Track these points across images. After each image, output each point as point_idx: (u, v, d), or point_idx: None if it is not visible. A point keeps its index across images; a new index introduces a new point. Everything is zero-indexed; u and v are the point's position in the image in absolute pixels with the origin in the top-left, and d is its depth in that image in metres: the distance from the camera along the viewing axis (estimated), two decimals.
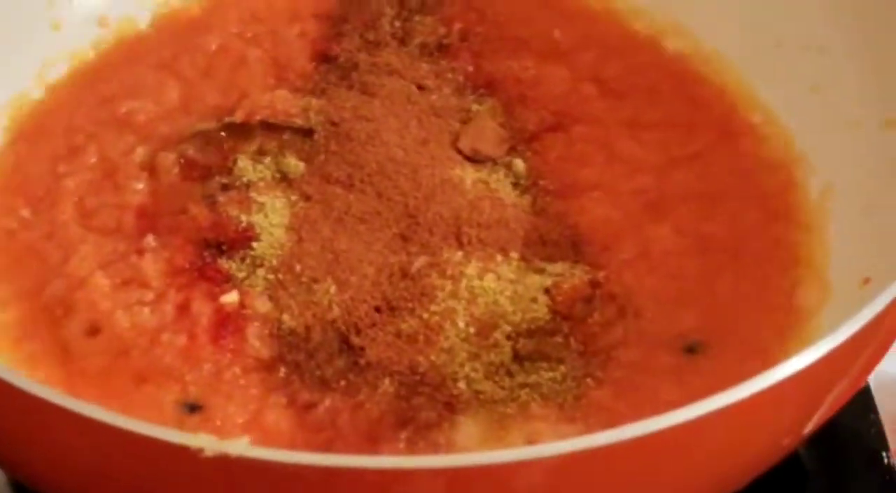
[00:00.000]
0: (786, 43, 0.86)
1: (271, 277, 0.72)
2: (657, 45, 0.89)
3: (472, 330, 0.69)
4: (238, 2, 0.91)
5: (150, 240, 0.74)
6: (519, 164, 0.79)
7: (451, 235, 0.73)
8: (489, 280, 0.71)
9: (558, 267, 0.73)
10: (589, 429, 0.64)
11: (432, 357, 0.68)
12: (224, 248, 0.74)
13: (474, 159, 0.79)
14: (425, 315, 0.69)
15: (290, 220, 0.75)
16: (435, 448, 0.64)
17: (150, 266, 0.73)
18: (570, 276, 0.72)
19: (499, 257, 0.72)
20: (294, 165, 0.78)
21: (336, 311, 0.70)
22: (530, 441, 0.64)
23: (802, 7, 0.85)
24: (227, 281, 0.72)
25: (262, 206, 0.76)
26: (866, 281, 0.70)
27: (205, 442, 0.51)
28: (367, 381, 0.67)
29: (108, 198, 0.78)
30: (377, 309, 0.70)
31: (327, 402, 0.67)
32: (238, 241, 0.74)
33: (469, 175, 0.78)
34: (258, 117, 0.80)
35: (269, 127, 0.80)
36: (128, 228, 0.76)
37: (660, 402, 0.64)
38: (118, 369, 0.69)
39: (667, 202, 0.77)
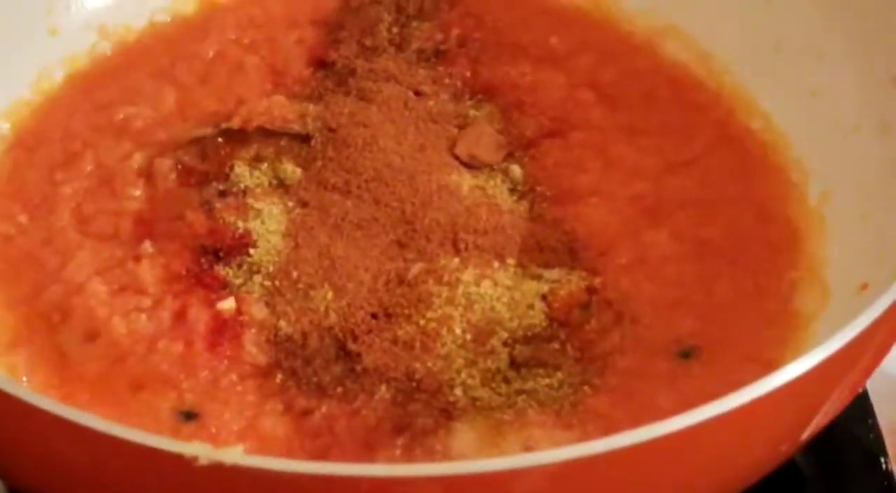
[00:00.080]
0: (784, 48, 0.86)
1: (268, 283, 0.72)
2: (654, 51, 0.89)
3: (468, 337, 0.69)
4: (235, 8, 0.92)
5: (146, 246, 0.74)
6: (516, 170, 0.79)
7: (448, 241, 0.73)
8: (486, 287, 0.71)
9: (555, 273, 0.73)
10: (586, 436, 0.64)
11: (429, 364, 0.68)
12: (221, 254, 0.74)
13: (471, 165, 0.79)
14: (422, 322, 0.69)
15: (287, 226, 0.75)
16: (431, 455, 0.64)
17: (147, 272, 0.73)
18: (567, 282, 0.72)
19: (495, 264, 0.72)
20: (291, 171, 0.78)
21: (333, 317, 0.70)
22: (527, 448, 0.64)
23: (801, 12, 0.85)
24: (224, 288, 0.72)
25: (258, 212, 0.76)
26: (864, 287, 0.70)
27: (199, 450, 0.51)
28: (363, 387, 0.67)
29: (105, 204, 0.78)
30: (374, 315, 0.70)
31: (324, 408, 0.67)
32: (235, 247, 0.74)
33: (466, 181, 0.78)
34: (255, 123, 0.80)
35: (266, 133, 0.80)
36: (125, 235, 0.76)
37: (657, 408, 0.64)
38: (115, 376, 0.69)
39: (664, 208, 0.77)
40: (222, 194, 0.77)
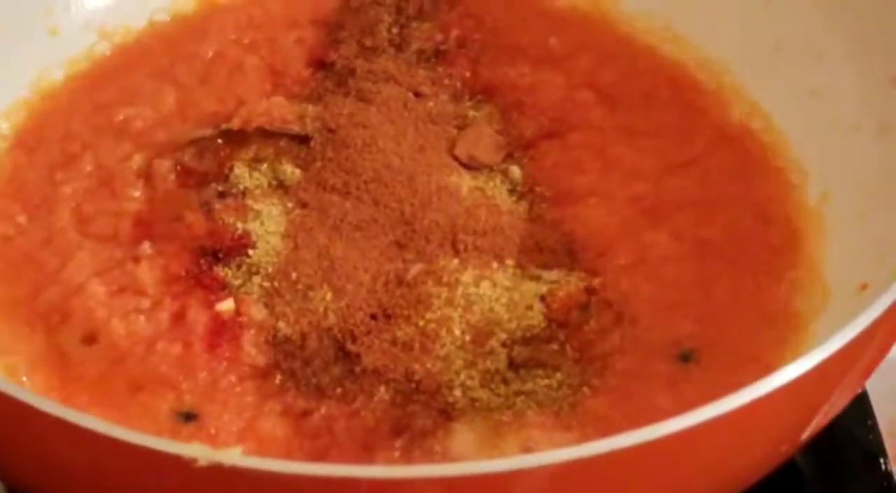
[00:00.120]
0: (783, 48, 0.86)
1: (267, 284, 0.72)
2: (653, 51, 0.89)
3: (467, 338, 0.69)
4: (235, 9, 0.92)
5: (146, 247, 0.74)
6: (515, 170, 0.79)
7: (447, 242, 0.73)
8: (485, 287, 0.71)
9: (554, 274, 0.73)
10: (584, 437, 0.64)
11: (428, 365, 0.68)
12: (220, 255, 0.74)
13: (470, 166, 0.79)
14: (421, 323, 0.69)
15: (286, 227, 0.75)
16: (430, 456, 0.64)
17: (147, 274, 0.73)
18: (566, 283, 0.72)
19: (494, 265, 0.72)
20: (290, 172, 0.78)
21: (332, 318, 0.70)
22: (526, 449, 0.64)
23: (800, 13, 0.85)
24: (223, 289, 0.72)
25: (258, 213, 0.76)
26: (864, 287, 0.70)
27: (198, 452, 0.51)
28: (362, 388, 0.67)
29: (104, 205, 0.78)
30: (373, 316, 0.70)
31: (323, 410, 0.67)
32: (234, 248, 0.74)
33: (465, 182, 0.78)
34: (255, 124, 0.80)
35: (266, 134, 0.80)
36: (124, 236, 0.76)
37: (656, 409, 0.64)
38: (114, 377, 0.69)
39: (663, 209, 0.77)
40: (221, 195, 0.77)
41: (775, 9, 0.86)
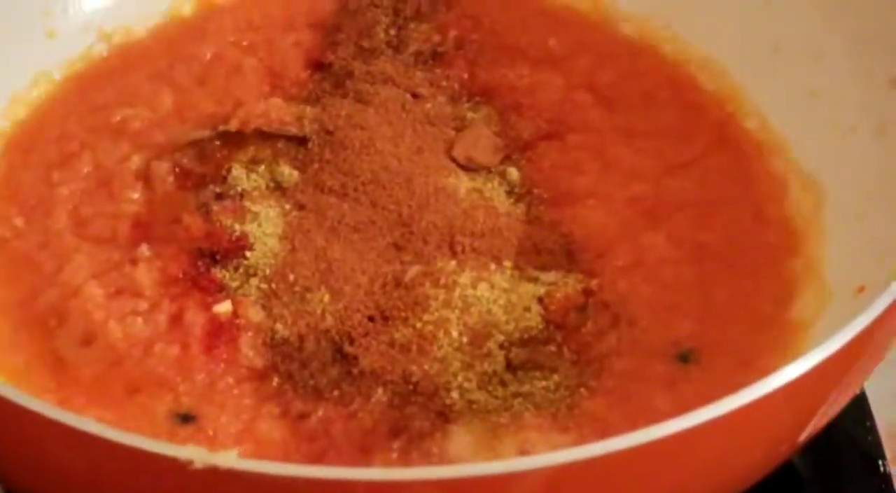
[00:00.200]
0: (782, 49, 0.86)
1: (265, 286, 0.72)
2: (652, 52, 0.89)
3: (465, 339, 0.69)
4: (233, 10, 0.92)
5: (143, 249, 0.74)
6: (513, 172, 0.79)
7: (445, 244, 0.73)
8: (482, 289, 0.71)
9: (551, 276, 0.73)
10: (582, 439, 0.64)
11: (425, 367, 0.68)
12: (217, 257, 0.74)
13: (468, 168, 0.79)
14: (418, 324, 0.69)
15: (284, 229, 0.75)
16: (428, 458, 0.64)
17: (144, 276, 0.73)
18: (564, 285, 0.72)
19: (492, 266, 0.72)
20: (288, 173, 0.78)
21: (329, 320, 0.70)
22: (523, 451, 0.64)
23: (799, 13, 0.85)
24: (221, 291, 0.72)
25: (255, 215, 0.76)
26: (861, 289, 0.69)
27: (194, 454, 0.51)
28: (360, 390, 0.67)
29: (102, 207, 0.78)
30: (370, 318, 0.70)
31: (320, 412, 0.67)
32: (232, 250, 0.74)
33: (463, 184, 0.78)
34: (252, 126, 0.80)
35: (264, 135, 0.80)
36: (122, 238, 0.76)
37: (654, 411, 0.64)
38: (111, 379, 0.68)
39: (662, 210, 0.77)
40: (219, 197, 0.77)
41: (774, 10, 0.86)
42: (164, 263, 0.73)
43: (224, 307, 0.71)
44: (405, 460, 0.64)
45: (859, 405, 0.77)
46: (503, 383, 0.68)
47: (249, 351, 0.69)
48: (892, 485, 0.75)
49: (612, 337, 0.70)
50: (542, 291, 0.71)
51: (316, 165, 0.78)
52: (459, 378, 0.67)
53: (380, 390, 0.67)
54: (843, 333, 0.57)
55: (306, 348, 0.69)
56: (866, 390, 0.78)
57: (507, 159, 0.80)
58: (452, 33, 0.89)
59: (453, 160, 0.79)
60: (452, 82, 0.85)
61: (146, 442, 0.52)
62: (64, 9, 0.90)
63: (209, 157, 0.80)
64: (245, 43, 0.89)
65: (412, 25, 0.89)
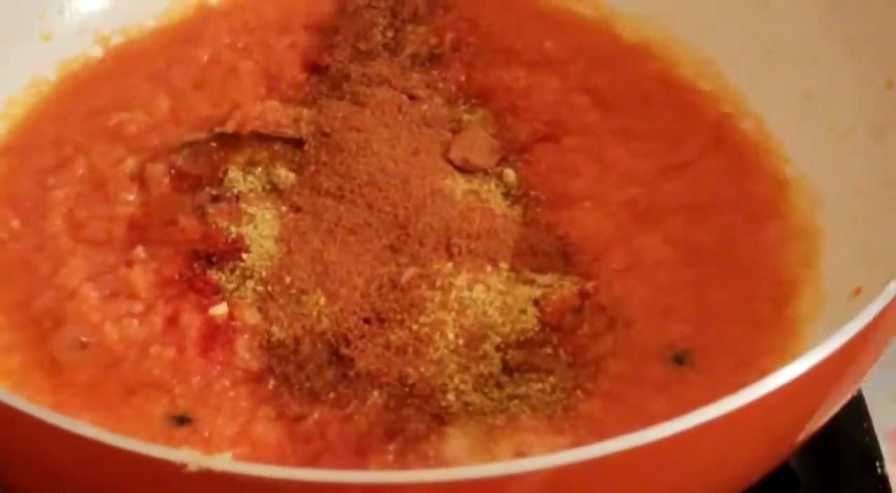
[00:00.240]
0: (778, 51, 0.86)
1: (261, 288, 0.72)
2: (648, 55, 0.89)
3: (461, 341, 0.69)
4: (230, 13, 0.92)
5: (139, 251, 0.74)
6: (510, 174, 0.79)
7: (441, 246, 0.73)
8: (479, 291, 0.71)
9: (548, 278, 0.73)
10: (578, 441, 0.64)
11: (422, 369, 0.68)
12: (214, 259, 0.74)
13: (465, 170, 0.79)
14: (415, 327, 0.69)
15: (280, 231, 0.75)
16: (424, 460, 0.64)
17: (140, 278, 0.73)
18: (560, 287, 0.72)
19: (488, 268, 0.72)
20: (284, 175, 0.78)
21: (325, 322, 0.70)
22: (519, 453, 0.64)
23: (795, 16, 0.85)
24: (217, 293, 0.72)
25: (252, 217, 0.76)
26: (857, 291, 0.69)
27: (188, 457, 0.51)
28: (356, 393, 0.67)
29: (97, 209, 0.78)
30: (366, 320, 0.70)
31: (316, 414, 0.67)
32: (228, 252, 0.74)
33: (460, 186, 0.78)
34: (249, 128, 0.80)
35: (260, 138, 0.80)
36: (117, 240, 0.76)
37: (650, 413, 0.63)
38: (107, 382, 0.68)
39: (657, 212, 0.77)
40: (215, 199, 0.77)
41: (771, 12, 0.86)
42: (160, 265, 0.73)
43: (220, 310, 0.71)
44: (401, 462, 0.64)
45: (856, 406, 0.77)
46: (499, 386, 0.68)
47: (245, 353, 0.69)
48: (888, 486, 0.75)
49: (609, 339, 0.70)
50: (538, 293, 0.71)
51: (312, 168, 0.78)
52: (456, 380, 0.67)
53: (376, 393, 0.67)
54: (839, 334, 0.57)
55: (302, 351, 0.69)
56: (863, 391, 0.77)
57: (503, 161, 0.80)
58: (449, 36, 0.89)
59: (450, 162, 0.79)
60: (449, 84, 0.85)
61: (141, 445, 0.52)
62: (60, 11, 0.90)
63: (205, 159, 0.80)
64: (241, 45, 0.89)
65: (409, 28, 0.89)
